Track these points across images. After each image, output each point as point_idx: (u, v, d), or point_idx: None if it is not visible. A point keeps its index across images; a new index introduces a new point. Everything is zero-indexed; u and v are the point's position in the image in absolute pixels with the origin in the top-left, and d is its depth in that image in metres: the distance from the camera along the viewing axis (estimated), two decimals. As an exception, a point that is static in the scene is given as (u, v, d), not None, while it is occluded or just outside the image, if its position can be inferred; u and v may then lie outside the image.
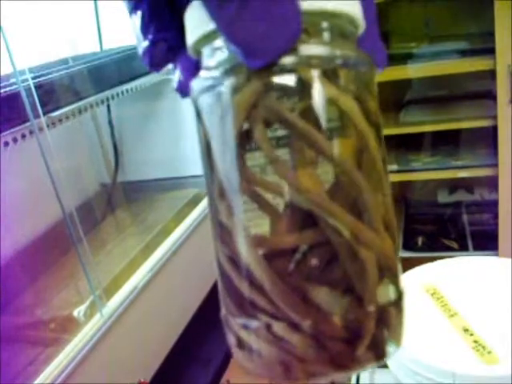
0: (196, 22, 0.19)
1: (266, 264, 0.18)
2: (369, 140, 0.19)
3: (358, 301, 0.18)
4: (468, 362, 0.48)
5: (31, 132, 0.71)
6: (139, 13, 0.21)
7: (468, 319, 0.54)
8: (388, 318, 0.20)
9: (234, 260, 0.19)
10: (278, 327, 0.18)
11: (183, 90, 0.22)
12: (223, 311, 0.21)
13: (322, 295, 0.18)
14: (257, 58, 0.17)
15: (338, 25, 0.19)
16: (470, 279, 0.59)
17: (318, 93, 0.17)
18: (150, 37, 0.21)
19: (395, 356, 0.51)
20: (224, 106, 0.18)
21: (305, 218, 0.18)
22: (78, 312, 0.75)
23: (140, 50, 0.22)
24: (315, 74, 0.17)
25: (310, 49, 0.18)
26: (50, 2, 1.14)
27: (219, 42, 0.19)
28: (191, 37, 0.20)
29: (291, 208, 0.18)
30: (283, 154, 0.17)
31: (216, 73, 0.18)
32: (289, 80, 0.17)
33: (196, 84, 0.20)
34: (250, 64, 0.17)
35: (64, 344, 0.68)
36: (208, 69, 0.19)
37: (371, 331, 0.19)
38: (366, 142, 0.18)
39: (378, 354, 0.20)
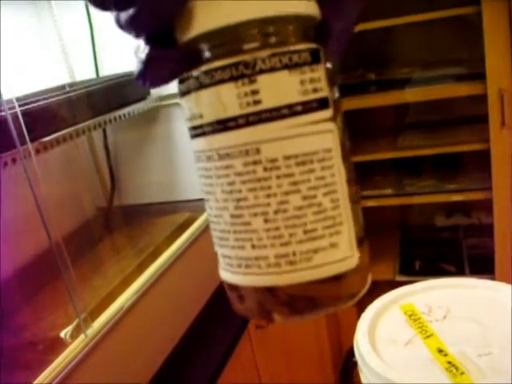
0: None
1: None
2: None
3: None
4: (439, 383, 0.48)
5: (25, 157, 0.73)
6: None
7: (445, 340, 0.54)
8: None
9: None
10: None
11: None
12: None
13: None
14: None
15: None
16: (451, 300, 0.59)
17: None
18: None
19: (367, 380, 0.51)
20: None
21: None
22: (65, 333, 0.76)
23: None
24: None
25: None
26: (48, 33, 1.18)
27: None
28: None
29: None
30: None
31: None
32: None
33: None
34: None
35: (49, 364, 0.69)
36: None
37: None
38: None
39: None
